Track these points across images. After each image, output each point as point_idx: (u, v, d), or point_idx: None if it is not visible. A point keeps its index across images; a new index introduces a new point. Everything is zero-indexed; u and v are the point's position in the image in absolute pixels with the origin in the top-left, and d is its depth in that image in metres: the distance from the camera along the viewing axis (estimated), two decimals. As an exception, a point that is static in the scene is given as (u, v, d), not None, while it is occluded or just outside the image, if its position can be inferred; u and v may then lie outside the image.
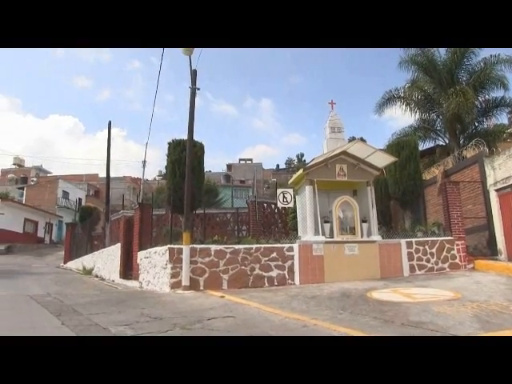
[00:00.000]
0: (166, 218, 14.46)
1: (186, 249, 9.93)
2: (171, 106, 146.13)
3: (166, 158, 11.94)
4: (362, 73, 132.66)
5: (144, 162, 35.13)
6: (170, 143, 11.91)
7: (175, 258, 10.04)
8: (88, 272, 17.18)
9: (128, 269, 13.34)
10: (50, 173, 59.88)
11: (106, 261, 15.79)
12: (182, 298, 8.91)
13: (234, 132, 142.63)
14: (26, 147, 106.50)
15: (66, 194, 47.57)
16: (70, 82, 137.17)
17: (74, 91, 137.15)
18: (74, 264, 21.42)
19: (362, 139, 13.98)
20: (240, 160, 69.71)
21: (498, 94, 19.94)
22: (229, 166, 65.92)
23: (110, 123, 19.27)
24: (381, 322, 5.77)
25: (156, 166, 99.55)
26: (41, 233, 41.57)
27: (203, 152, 11.98)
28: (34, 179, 53.34)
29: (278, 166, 79.63)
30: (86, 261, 18.88)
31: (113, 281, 14.04)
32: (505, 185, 12.45)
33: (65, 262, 24.25)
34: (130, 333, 5.49)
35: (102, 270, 16.15)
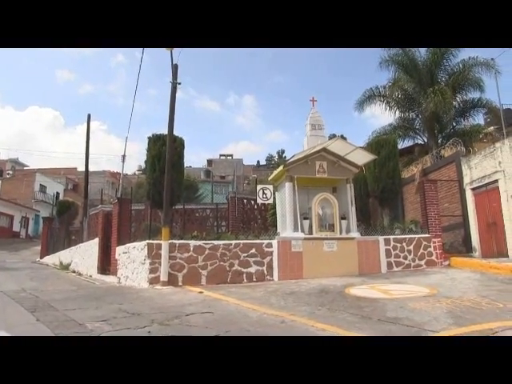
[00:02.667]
0: (145, 213, 14.35)
1: (164, 244, 9.87)
2: (154, 100, 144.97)
3: (146, 152, 11.83)
4: (345, 72, 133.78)
5: (124, 157, 34.69)
6: (149, 138, 11.81)
7: (154, 254, 9.96)
8: (65, 267, 16.91)
9: (106, 264, 13.19)
10: (26, 166, 58.60)
11: (83, 256, 15.58)
12: (160, 293, 8.84)
13: (216, 128, 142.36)
14: (7, 140, 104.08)
15: (43, 188, 46.71)
16: (53, 75, 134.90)
17: (56, 84, 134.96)
18: (51, 259, 21.06)
19: (342, 137, 14.08)
20: (220, 156, 69.40)
21: (474, 95, 20.45)
22: (209, 162, 65.61)
23: (89, 116, 18.98)
24: (358, 318, 5.82)
25: (138, 160, 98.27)
26: (16, 227, 40.75)
27: (183, 147, 11.91)
28: (10, 172, 52.24)
29: (258, 162, 79.72)
30: (63, 256, 18.59)
31: (90, 276, 13.86)
32: (480, 184, 12.71)
33: (41, 257, 23.83)
34: (107, 329, 5.45)
35: (79, 265, 15.92)
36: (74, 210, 21.96)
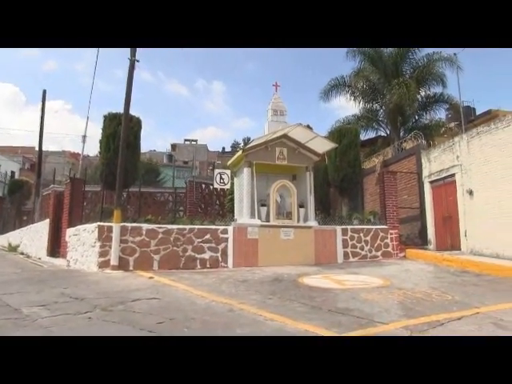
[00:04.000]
0: (102, 195, 13.82)
1: (116, 227, 9.47)
2: (121, 81, 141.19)
3: (101, 131, 11.32)
4: (315, 62, 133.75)
5: (84, 137, 33.53)
6: (105, 116, 11.30)
7: (105, 237, 9.56)
8: (13, 249, 16.20)
9: (56, 246, 12.64)
10: (-21, 142, 56.13)
11: (33, 237, 14.92)
12: (109, 277, 8.51)
13: (184, 113, 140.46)
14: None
15: (-6, 166, 44.74)
16: (14, 49, 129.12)
17: (17, 59, 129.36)
18: (1, 240, 20.20)
19: (308, 126, 13.81)
20: (185, 140, 68.37)
21: (437, 89, 20.70)
22: (173, 146, 64.43)
23: (44, 92, 18.13)
24: (308, 308, 5.71)
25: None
26: (-34, 206, 38.93)
27: (140, 127, 11.46)
28: (-39, 147, 49.76)
29: (223, 148, 78.97)
30: (13, 237, 17.81)
31: (39, 258, 13.28)
32: (438, 177, 12.83)
33: (-10, 238, 22.85)
34: (44, 314, 5.17)
35: (28, 246, 15.25)
36: (27, 190, 20.98)
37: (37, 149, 51.34)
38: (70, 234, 11.37)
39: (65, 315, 5.10)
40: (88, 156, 48.69)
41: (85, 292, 6.78)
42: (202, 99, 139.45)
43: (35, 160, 51.31)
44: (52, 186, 13.78)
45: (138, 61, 10.27)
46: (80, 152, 41.44)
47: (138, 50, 10.23)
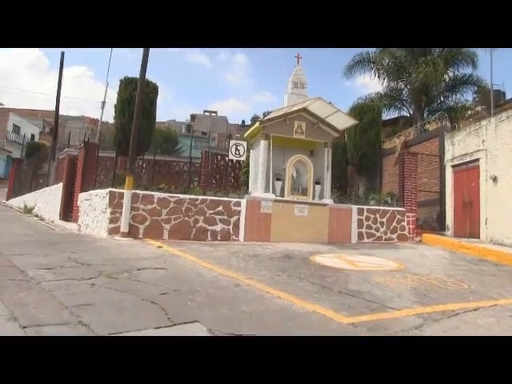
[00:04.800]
0: (117, 161, 13.70)
1: (127, 194, 9.34)
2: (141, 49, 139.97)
3: (117, 96, 11.09)
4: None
5: (103, 103, 33.57)
6: (121, 80, 11.07)
7: (116, 203, 9.43)
8: (28, 211, 16.26)
9: (68, 210, 12.59)
10: (1, 104, 56.39)
11: (47, 200, 14.92)
12: (117, 244, 8.43)
13: (206, 84, 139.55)
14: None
15: (17, 129, 45.06)
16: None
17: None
18: (17, 202, 20.33)
19: (330, 103, 13.30)
20: (205, 112, 67.94)
21: (467, 70, 19.84)
22: (193, 117, 64.26)
23: (62, 54, 17.88)
24: (318, 287, 5.52)
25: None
26: (-15, 167, 39.47)
27: (156, 93, 11.20)
28: (-18, 109, 50.16)
29: (243, 121, 78.24)
30: (28, 199, 17.89)
31: (52, 221, 13.29)
32: (461, 161, 12.38)
33: (7, 199, 23.07)
34: (49, 277, 5.14)
35: (42, 209, 15.29)
36: (44, 153, 20.96)
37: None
38: (82, 198, 11.31)
39: (69, 280, 5.06)
40: (107, 122, 48.69)
41: (92, 257, 6.73)
42: (225, 71, 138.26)
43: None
44: (66, 149, 13.68)
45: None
46: (99, 118, 41.57)
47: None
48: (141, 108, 9.86)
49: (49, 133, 50.94)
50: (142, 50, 9.56)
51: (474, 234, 11.62)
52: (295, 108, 10.61)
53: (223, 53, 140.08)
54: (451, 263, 8.39)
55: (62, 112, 51.18)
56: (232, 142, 11.06)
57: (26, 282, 4.83)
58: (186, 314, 3.93)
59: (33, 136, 46.38)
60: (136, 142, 9.69)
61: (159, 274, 5.82)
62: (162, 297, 4.51)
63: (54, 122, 18.52)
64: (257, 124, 11.01)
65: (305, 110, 10.85)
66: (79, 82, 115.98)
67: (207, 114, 67.08)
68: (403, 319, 4.24)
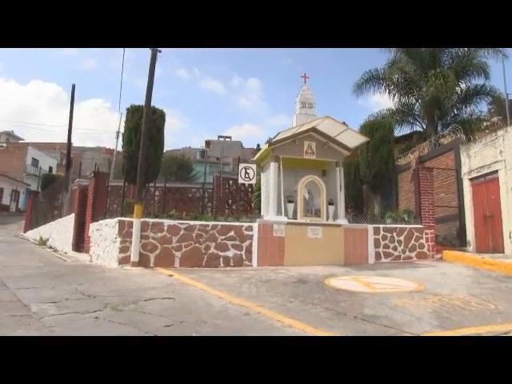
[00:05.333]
0: (128, 190, 13.65)
1: (136, 222, 9.20)
2: (159, 78, 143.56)
3: (124, 124, 11.07)
4: (351, 57, 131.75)
5: (118, 133, 33.89)
6: (128, 109, 11.05)
7: (125, 232, 9.31)
8: (43, 242, 16.24)
9: (80, 241, 12.52)
10: (22, 139, 57.64)
11: (60, 231, 14.90)
12: (127, 274, 8.26)
13: (221, 110, 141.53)
14: (10, 114, 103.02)
15: (35, 162, 45.87)
16: (57, 49, 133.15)
17: (60, 59, 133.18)
18: (33, 234, 20.40)
19: (344, 123, 13.04)
20: (219, 137, 68.42)
21: (479, 81, 19.45)
22: (207, 143, 64.65)
23: (73, 86, 18.25)
24: (332, 313, 5.23)
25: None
26: (6, 200, 40.02)
27: (163, 120, 11.15)
28: (4, 145, 51.17)
29: (258, 145, 78.21)
30: (44, 231, 17.91)
31: (65, 253, 13.21)
32: (478, 174, 11.98)
33: (25, 232, 23.19)
34: (52, 312, 4.99)
35: (56, 240, 15.25)
36: (59, 185, 21.10)
37: (74, 145, 52.63)
38: (93, 228, 11.21)
39: (72, 314, 4.92)
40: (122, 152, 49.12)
41: (99, 289, 6.58)
42: (238, 96, 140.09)
43: (72, 156, 52.53)
44: (77, 180, 13.68)
45: (160, 51, 9.95)
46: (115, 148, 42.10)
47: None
48: (148, 135, 9.81)
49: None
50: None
51: (498, 248, 11.14)
52: (304, 128, 10.43)
53: (235, 78, 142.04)
54: (475, 281, 7.93)
55: (79, 143, 52.21)
56: (241, 166, 10.88)
57: (28, 318, 4.68)
58: (190, 349, 3.72)
59: (50, 168, 47.16)
60: (144, 170, 9.60)
61: (166, 304, 5.62)
62: (166, 329, 4.32)
63: (67, 153, 18.76)
64: (266, 146, 10.83)
65: (314, 129, 10.67)
66: (97, 114, 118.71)
67: (221, 139, 67.57)
68: (423, 346, 3.92)
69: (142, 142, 9.57)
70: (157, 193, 15.79)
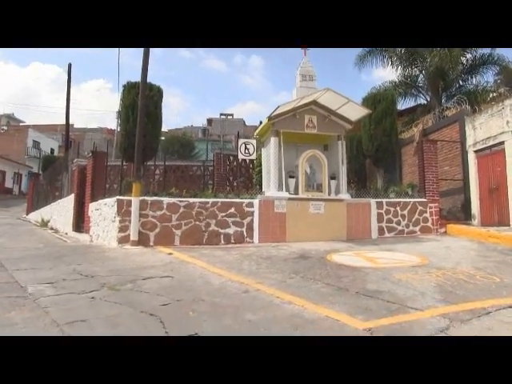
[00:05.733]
0: (128, 169, 13.47)
1: (135, 201, 9.05)
2: (160, 59, 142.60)
3: (120, 102, 10.83)
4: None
5: (118, 113, 33.59)
6: (124, 86, 10.77)
7: (124, 211, 9.17)
8: (44, 224, 16.15)
9: (81, 221, 12.39)
10: (23, 122, 57.30)
11: (61, 212, 14.79)
12: (126, 253, 8.16)
13: (224, 89, 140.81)
14: (11, 97, 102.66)
15: (36, 144, 45.69)
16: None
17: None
18: (35, 216, 20.30)
19: (340, 94, 12.65)
20: (221, 115, 67.86)
21: (485, 50, 18.68)
22: (209, 121, 64.20)
23: (69, 66, 17.82)
24: (333, 289, 5.12)
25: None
26: (9, 183, 40.02)
27: (161, 96, 10.86)
28: (5, 128, 50.88)
29: (260, 122, 77.46)
30: (45, 212, 17.81)
31: (66, 233, 13.13)
32: (484, 146, 11.73)
33: (27, 214, 23.12)
34: (48, 292, 4.96)
35: (57, 221, 15.16)
36: (59, 166, 20.94)
37: (75, 126, 52.30)
38: (93, 208, 11.09)
39: (69, 294, 4.87)
40: (123, 132, 48.77)
41: (98, 269, 6.52)
42: (241, 74, 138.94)
43: (74, 137, 52.32)
44: (76, 160, 13.49)
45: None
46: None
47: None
48: (144, 112, 9.59)
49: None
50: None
51: (504, 221, 10.96)
52: (304, 101, 10.14)
53: (238, 55, 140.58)
54: (480, 255, 7.77)
55: (83, 125, 52.07)
56: (241, 141, 10.64)
57: (23, 299, 4.63)
58: (186, 327, 3.65)
59: (52, 150, 46.98)
60: (141, 148, 9.40)
61: (165, 282, 5.53)
62: (162, 308, 4.24)
63: (65, 133, 18.50)
64: (266, 120, 10.57)
65: (315, 102, 10.38)
66: (99, 95, 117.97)
67: (223, 117, 67.04)
68: (426, 321, 3.79)
69: (138, 119, 9.35)
70: (157, 171, 15.68)
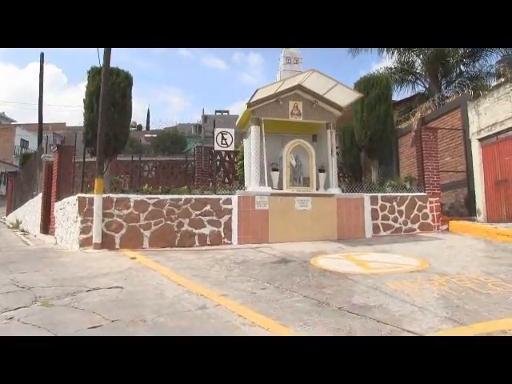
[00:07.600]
0: (113, 166, 12.50)
1: (97, 198, 8.02)
2: (160, 58, 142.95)
3: (85, 89, 9.76)
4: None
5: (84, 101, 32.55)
6: (88, 71, 9.70)
7: (86, 210, 8.16)
8: (16, 226, 15.18)
9: (48, 222, 11.39)
10: (14, 121, 56.20)
11: (31, 213, 13.79)
12: (85, 258, 7.22)
13: (223, 86, 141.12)
14: (11, 98, 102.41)
15: (25, 143, 44.65)
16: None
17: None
18: (11, 217, 19.35)
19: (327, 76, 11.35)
20: (216, 112, 67.09)
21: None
22: (205, 118, 63.56)
23: (42, 55, 16.79)
24: (312, 304, 4.13)
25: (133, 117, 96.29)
26: (-5, 183, 39.00)
27: (130, 83, 9.75)
28: (-6, 127, 49.70)
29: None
30: (20, 213, 16.85)
31: (35, 236, 12.17)
32: (490, 133, 10.70)
33: (7, 215, 22.18)
34: None
35: (28, 223, 14.16)
36: (36, 162, 19.90)
37: (67, 124, 51.15)
38: (57, 208, 10.11)
39: None
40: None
41: (42, 278, 5.70)
42: (241, 72, 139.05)
43: (65, 136, 51.25)
44: (43, 155, 12.42)
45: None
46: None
47: None
48: (109, 100, 8.56)
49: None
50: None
51: (512, 217, 9.95)
52: (288, 85, 9.05)
53: (237, 54, 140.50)
54: (488, 256, 6.72)
55: (70, 123, 51.06)
56: (217, 131, 9.54)
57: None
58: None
59: (42, 149, 45.79)
60: (103, 139, 8.35)
61: (110, 295, 4.66)
62: (89, 332, 3.38)
63: (38, 126, 17.51)
64: (245, 107, 9.47)
65: (300, 87, 9.29)
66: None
67: (219, 113, 66.27)
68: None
69: (100, 107, 8.31)
70: (146, 167, 14.74)
